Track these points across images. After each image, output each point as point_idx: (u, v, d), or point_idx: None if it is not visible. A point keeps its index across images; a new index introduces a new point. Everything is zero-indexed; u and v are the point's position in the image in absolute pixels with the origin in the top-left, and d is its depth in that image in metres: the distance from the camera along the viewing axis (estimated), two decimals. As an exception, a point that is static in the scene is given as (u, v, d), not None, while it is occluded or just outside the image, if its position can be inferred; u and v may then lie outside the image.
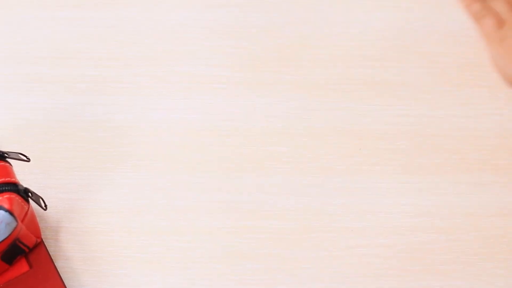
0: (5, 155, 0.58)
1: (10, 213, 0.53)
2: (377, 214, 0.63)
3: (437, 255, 0.61)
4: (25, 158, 0.59)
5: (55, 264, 0.60)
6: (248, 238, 0.62)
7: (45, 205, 0.59)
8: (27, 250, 0.58)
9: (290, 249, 0.62)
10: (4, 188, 0.55)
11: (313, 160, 0.65)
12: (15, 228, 0.54)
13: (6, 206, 0.54)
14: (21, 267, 0.58)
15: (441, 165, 0.64)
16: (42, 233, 0.60)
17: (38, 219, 0.60)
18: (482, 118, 0.67)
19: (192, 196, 0.64)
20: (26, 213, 0.57)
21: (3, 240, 0.54)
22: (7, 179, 0.56)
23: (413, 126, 0.67)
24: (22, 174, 0.59)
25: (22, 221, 0.56)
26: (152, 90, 0.68)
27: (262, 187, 0.64)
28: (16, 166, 0.59)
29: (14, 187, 0.56)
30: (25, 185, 0.57)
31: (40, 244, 0.60)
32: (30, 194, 0.57)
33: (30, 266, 0.59)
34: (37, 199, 0.58)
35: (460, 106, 0.68)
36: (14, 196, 0.55)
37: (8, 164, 0.58)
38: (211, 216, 0.63)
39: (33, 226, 0.59)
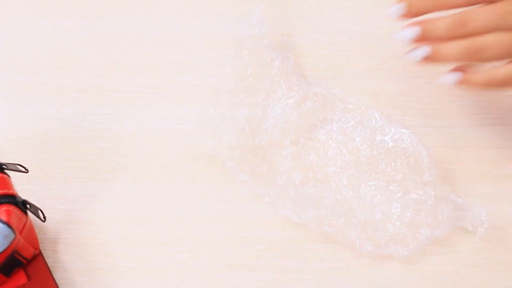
0: (3, 166, 0.57)
1: (8, 225, 0.53)
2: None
3: (437, 266, 0.61)
4: (23, 169, 0.58)
5: (54, 275, 0.59)
6: (248, 249, 0.62)
7: (44, 217, 0.59)
8: (25, 262, 0.58)
9: (290, 260, 0.61)
10: (2, 200, 0.55)
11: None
12: (13, 240, 0.54)
13: (4, 218, 0.53)
14: (19, 279, 0.58)
15: (441, 176, 0.64)
16: (40, 244, 0.60)
17: (36, 230, 0.59)
18: (483, 129, 0.67)
19: (192, 206, 0.63)
20: (25, 225, 0.56)
21: (1, 253, 0.54)
22: (5, 191, 0.56)
23: (413, 137, 0.67)
24: (21, 185, 0.59)
25: (20, 233, 0.56)
26: (151, 100, 0.68)
27: (262, 197, 0.63)
28: (14, 177, 0.58)
29: (12, 199, 0.55)
30: (23, 196, 0.57)
31: (38, 256, 0.59)
32: (28, 206, 0.57)
33: (28, 278, 0.58)
34: (35, 210, 0.58)
35: (461, 116, 0.67)
36: (12, 208, 0.55)
37: (6, 176, 0.57)
38: (211, 226, 0.63)
39: (32, 237, 0.58)
